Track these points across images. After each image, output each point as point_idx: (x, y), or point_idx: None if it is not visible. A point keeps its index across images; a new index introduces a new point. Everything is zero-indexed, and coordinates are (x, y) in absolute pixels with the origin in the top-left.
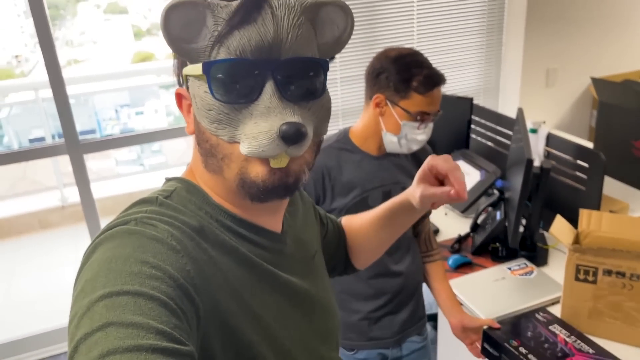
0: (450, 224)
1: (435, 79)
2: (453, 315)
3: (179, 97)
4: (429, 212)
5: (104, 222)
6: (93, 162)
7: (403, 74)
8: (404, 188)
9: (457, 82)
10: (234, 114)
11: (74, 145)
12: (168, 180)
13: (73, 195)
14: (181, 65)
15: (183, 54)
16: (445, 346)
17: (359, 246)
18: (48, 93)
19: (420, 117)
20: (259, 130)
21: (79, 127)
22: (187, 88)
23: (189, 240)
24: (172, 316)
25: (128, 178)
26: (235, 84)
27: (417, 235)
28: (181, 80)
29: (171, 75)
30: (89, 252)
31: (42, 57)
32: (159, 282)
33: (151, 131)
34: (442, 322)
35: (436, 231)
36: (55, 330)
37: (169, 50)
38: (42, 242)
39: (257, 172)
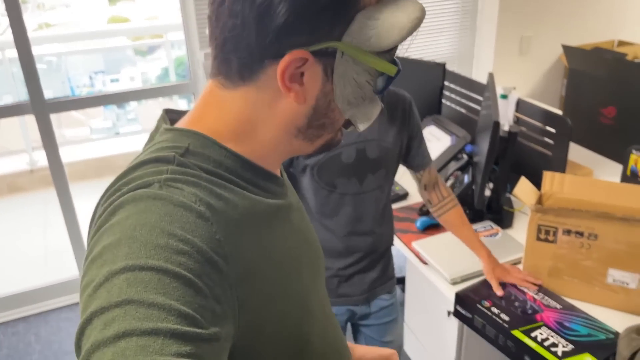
0: None
1: None
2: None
3: (294, 63)
4: (428, 161)
5: (73, 186)
6: (67, 130)
7: None
8: (379, 145)
9: (432, 48)
10: (367, 99)
11: (39, 104)
12: (167, 130)
13: (42, 158)
14: (325, 35)
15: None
16: (411, 308)
17: None
18: (15, 53)
19: None
20: (373, 112)
21: (51, 94)
22: (322, 60)
23: (217, 201)
24: (197, 296)
25: (100, 142)
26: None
27: (425, 189)
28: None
29: (146, 40)
30: (107, 214)
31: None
32: (186, 258)
33: (120, 92)
34: (410, 285)
35: (405, 195)
36: (23, 293)
37: (144, 15)
38: (11, 206)
39: (339, 137)
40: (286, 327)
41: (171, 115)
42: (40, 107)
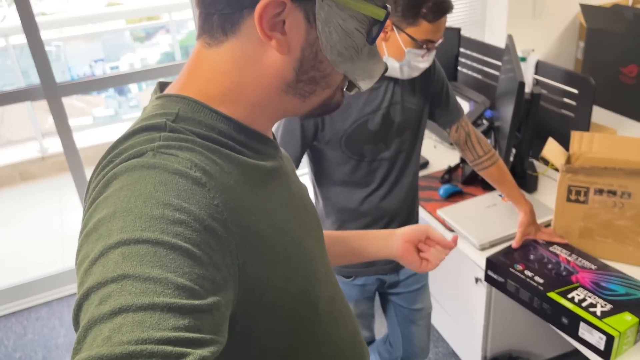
0: (439, 156)
1: (444, 5)
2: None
3: (271, 8)
4: (455, 118)
5: (88, 171)
6: (70, 119)
7: (412, 0)
8: (402, 107)
9: None
10: (362, 51)
11: (51, 88)
12: (157, 98)
13: (52, 145)
14: None
15: None
16: (436, 277)
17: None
18: (19, 40)
19: (426, 45)
20: (374, 69)
21: None
22: (302, 5)
23: (213, 165)
24: (195, 266)
25: (107, 127)
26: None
27: (458, 144)
28: None
29: (144, 22)
30: (101, 186)
31: (7, 9)
32: (182, 228)
33: (128, 72)
34: None
35: (425, 163)
36: (45, 278)
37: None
38: (25, 193)
39: (339, 98)
40: (289, 293)
41: (164, 88)
42: (52, 91)
